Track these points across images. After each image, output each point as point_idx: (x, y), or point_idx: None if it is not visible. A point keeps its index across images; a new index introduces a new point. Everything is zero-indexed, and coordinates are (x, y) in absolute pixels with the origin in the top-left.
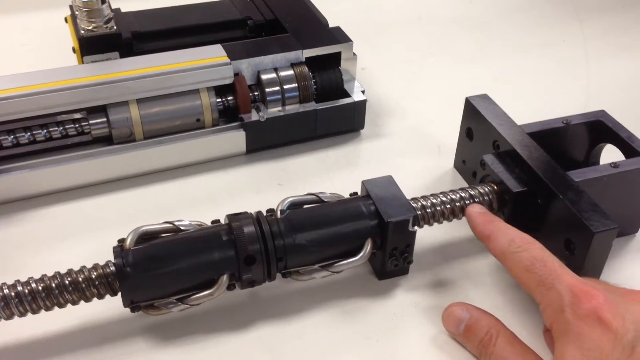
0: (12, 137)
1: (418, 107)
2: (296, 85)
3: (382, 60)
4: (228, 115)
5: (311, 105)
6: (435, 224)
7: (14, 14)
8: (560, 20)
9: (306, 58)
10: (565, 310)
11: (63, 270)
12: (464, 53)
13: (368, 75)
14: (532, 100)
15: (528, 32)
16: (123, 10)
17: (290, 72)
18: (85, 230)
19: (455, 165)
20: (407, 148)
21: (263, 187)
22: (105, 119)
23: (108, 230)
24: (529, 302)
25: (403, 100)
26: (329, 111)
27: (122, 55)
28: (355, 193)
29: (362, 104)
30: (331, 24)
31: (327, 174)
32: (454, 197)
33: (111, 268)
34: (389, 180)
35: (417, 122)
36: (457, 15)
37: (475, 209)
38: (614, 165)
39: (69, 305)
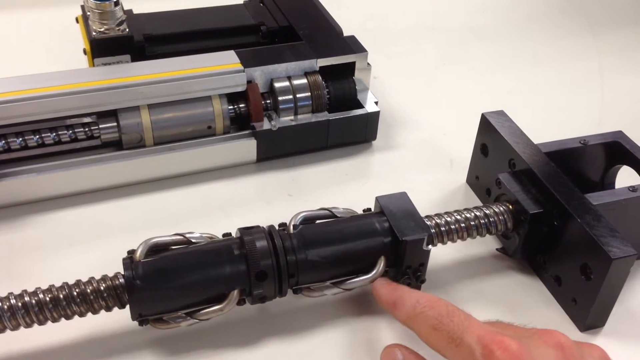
0: (20, 139)
1: (430, 119)
2: (309, 94)
3: (394, 69)
4: (239, 123)
5: (324, 115)
6: (449, 243)
7: (22, 8)
8: (575, 33)
9: (320, 67)
10: None
11: (69, 278)
12: (477, 64)
13: (380, 84)
14: (546, 115)
15: (542, 43)
16: (135, 12)
17: (304, 80)
18: (93, 237)
19: (468, 181)
20: (419, 161)
21: (273, 197)
22: (115, 124)
23: (116, 237)
24: (542, 325)
25: (415, 111)
26: (341, 121)
27: (133, 58)
28: (369, 209)
29: (375, 115)
30: (343, 31)
31: (338, 185)
32: (468, 216)
33: (120, 280)
34: (403, 197)
35: (429, 135)
36: (471, 25)
37: (379, 282)
38: (633, 189)
39: (76, 317)
